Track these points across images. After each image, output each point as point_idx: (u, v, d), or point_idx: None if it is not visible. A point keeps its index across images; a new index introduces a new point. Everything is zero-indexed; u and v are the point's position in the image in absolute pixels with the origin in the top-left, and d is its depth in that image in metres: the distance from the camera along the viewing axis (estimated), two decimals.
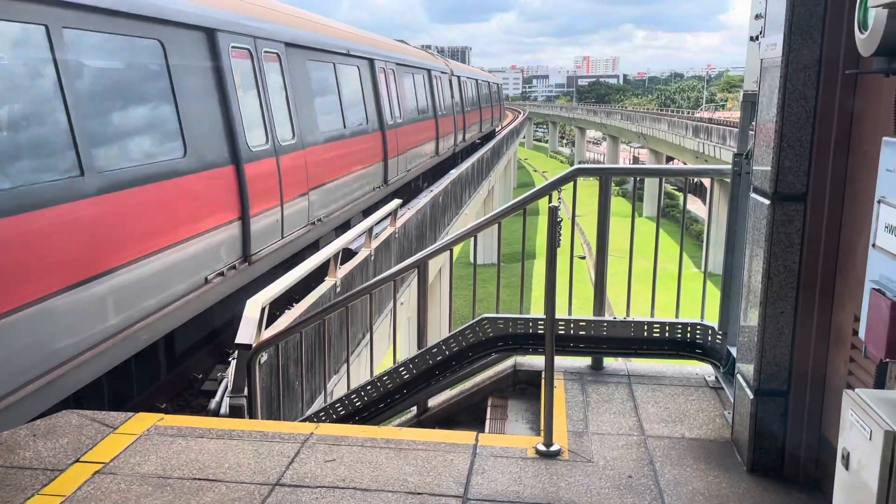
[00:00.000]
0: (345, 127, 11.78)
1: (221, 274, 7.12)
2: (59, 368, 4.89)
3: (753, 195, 3.76)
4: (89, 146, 5.33)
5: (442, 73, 22.32)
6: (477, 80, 31.45)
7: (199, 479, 3.57)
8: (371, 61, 13.91)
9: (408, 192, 17.22)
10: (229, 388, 4.95)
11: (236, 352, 4.91)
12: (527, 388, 5.27)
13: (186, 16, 6.90)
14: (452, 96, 23.59)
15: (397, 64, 15.97)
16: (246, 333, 4.87)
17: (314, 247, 9.78)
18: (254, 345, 4.87)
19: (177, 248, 6.38)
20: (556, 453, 3.88)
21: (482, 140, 31.94)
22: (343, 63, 12.25)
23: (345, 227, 11.16)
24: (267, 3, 9.52)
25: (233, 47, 7.84)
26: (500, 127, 39.81)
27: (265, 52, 8.73)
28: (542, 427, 4.04)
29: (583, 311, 5.31)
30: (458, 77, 25.52)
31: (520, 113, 75.47)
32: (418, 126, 17.78)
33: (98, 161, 5.41)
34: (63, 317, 4.96)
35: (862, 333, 2.34)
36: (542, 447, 3.91)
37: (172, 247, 6.31)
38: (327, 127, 10.86)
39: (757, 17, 4.07)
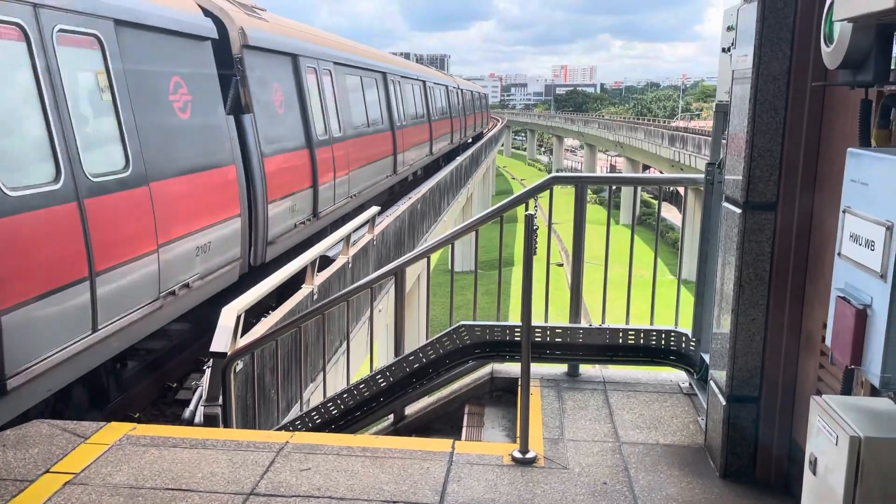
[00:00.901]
0: (368, 126, 14.49)
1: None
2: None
3: (725, 204, 3.81)
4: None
5: (441, 84, 26.37)
6: (472, 91, 40.76)
7: (172, 490, 3.54)
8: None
9: (414, 181, 20.36)
10: (204, 397, 4.90)
11: (211, 360, 4.87)
12: (503, 395, 5.28)
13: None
14: (455, 103, 29.26)
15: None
16: (221, 341, 4.82)
17: (351, 216, 11.60)
18: (229, 353, 4.83)
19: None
20: (532, 460, 3.90)
21: (475, 139, 39.54)
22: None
23: (366, 205, 12.69)
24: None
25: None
26: (487, 128, 50.98)
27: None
28: (518, 434, 4.06)
29: (561, 317, 5.34)
30: (460, 88, 33.23)
31: (499, 120, 75.90)
32: (419, 128, 21.06)
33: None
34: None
35: (828, 341, 2.39)
36: (518, 454, 3.92)
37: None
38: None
39: (729, 28, 4.15)
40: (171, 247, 6.55)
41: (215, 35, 7.92)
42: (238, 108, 8.63)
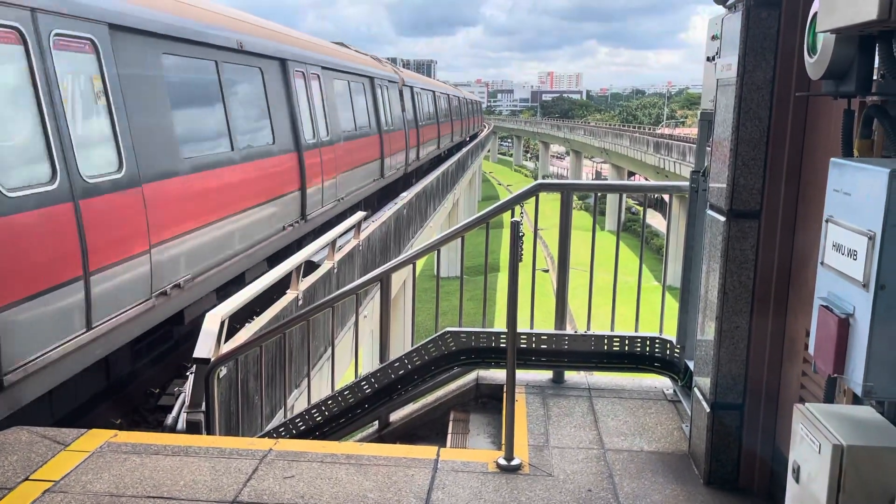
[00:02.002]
0: (356, 129, 14.73)
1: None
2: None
3: (709, 212, 3.83)
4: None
5: (447, 94, 33.85)
6: (470, 99, 50.64)
7: (154, 497, 3.50)
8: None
9: (403, 184, 20.97)
10: (186, 403, 4.86)
11: (194, 366, 4.83)
12: (489, 401, 5.27)
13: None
14: (457, 108, 36.81)
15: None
16: (204, 347, 4.79)
17: (340, 218, 11.84)
18: (212, 359, 4.79)
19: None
20: (517, 467, 3.89)
21: (472, 137, 47.88)
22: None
23: (355, 208, 13.66)
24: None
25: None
26: (481, 129, 59.99)
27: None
28: (503, 441, 4.05)
29: (546, 323, 5.34)
30: (458, 97, 40.53)
31: (485, 126, 76.32)
32: (434, 127, 26.67)
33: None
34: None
35: (811, 349, 2.40)
36: (503, 461, 3.92)
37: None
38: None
39: (713, 37, 4.17)
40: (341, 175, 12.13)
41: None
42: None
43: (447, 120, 32.94)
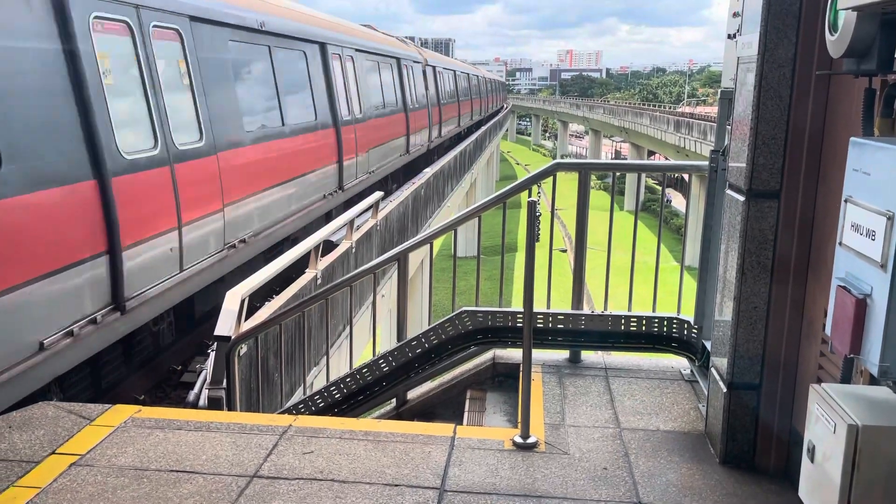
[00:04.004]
0: (384, 107, 15.69)
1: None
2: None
3: (729, 191, 3.81)
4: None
5: (478, 75, 42.00)
6: (494, 79, 59.68)
7: (177, 471, 3.58)
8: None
9: (426, 160, 21.63)
10: (208, 380, 4.94)
11: (215, 343, 4.90)
12: (505, 380, 5.31)
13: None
14: (486, 87, 45.29)
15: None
16: (225, 325, 4.86)
17: (367, 192, 12.09)
18: (233, 336, 4.86)
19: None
20: (533, 445, 3.93)
21: (496, 112, 54.37)
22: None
23: (382, 183, 14.86)
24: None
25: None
26: (503, 106, 67.12)
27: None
28: (519, 419, 4.09)
29: (563, 303, 5.35)
30: (489, 79, 49.89)
31: (505, 105, 76.15)
32: (470, 101, 31.68)
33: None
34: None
35: (828, 329, 2.40)
36: (519, 439, 3.95)
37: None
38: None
39: (735, 15, 4.12)
40: (372, 150, 13.48)
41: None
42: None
43: (467, 98, 34.47)
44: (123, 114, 5.93)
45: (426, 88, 22.27)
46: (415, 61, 20.72)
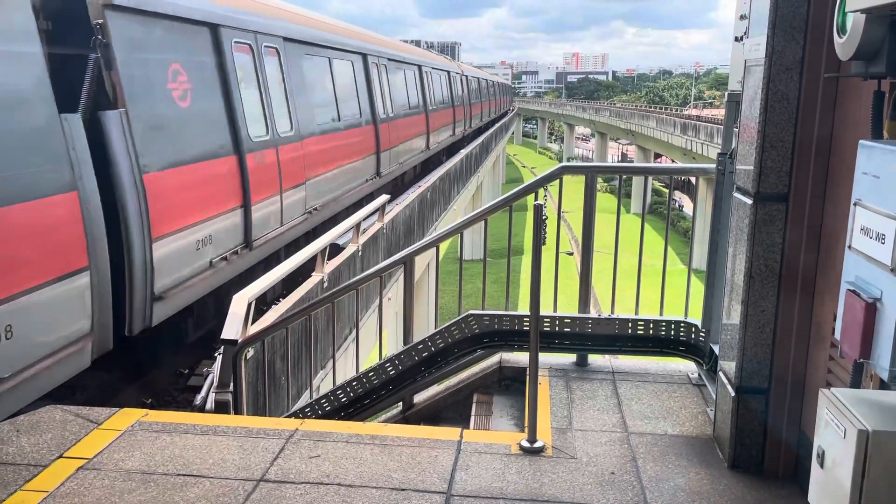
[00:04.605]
0: (409, 108, 18.47)
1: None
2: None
3: (736, 194, 3.79)
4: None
5: (490, 80, 47.08)
6: (502, 83, 63.23)
7: (184, 475, 3.58)
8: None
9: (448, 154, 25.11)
10: (215, 384, 4.95)
11: (222, 347, 4.91)
12: (512, 384, 5.29)
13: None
14: (495, 90, 49.76)
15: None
16: (232, 329, 4.86)
17: (402, 177, 17.15)
18: (240, 340, 4.87)
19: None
20: (540, 450, 3.92)
21: (504, 113, 58.60)
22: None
23: (408, 174, 18.30)
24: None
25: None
26: (511, 107, 72.10)
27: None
28: (526, 423, 4.07)
29: (570, 306, 5.34)
30: (495, 82, 53.13)
31: (512, 107, 76.36)
32: (481, 104, 36.53)
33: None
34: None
35: (838, 333, 2.38)
36: (526, 443, 3.94)
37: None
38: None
39: (742, 17, 4.11)
40: (402, 144, 16.31)
41: None
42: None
43: (487, 100, 42.38)
44: (250, 109, 8.26)
45: (462, 91, 28.41)
46: (433, 68, 24.51)
